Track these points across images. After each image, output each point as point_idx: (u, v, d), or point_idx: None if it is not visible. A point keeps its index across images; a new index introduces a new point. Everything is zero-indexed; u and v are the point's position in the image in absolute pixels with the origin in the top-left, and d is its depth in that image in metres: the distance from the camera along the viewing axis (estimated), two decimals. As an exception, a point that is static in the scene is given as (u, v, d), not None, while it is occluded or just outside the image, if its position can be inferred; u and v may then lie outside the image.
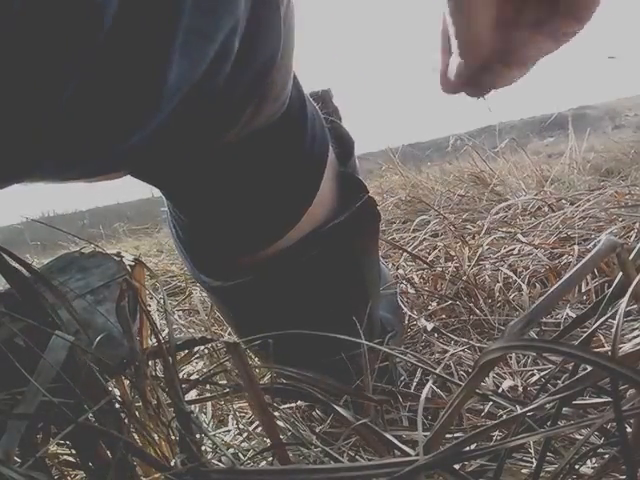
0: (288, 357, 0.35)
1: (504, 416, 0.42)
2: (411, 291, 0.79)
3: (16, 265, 0.32)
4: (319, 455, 0.37)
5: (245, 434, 0.47)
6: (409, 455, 0.27)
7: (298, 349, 0.39)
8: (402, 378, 0.56)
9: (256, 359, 0.57)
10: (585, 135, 2.05)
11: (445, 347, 0.61)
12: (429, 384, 0.39)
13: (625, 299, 0.26)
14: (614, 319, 0.25)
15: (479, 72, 0.40)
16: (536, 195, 1.31)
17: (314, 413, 0.52)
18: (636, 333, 0.57)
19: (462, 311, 0.71)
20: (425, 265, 0.85)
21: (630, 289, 0.26)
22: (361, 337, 0.42)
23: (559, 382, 0.47)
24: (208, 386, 0.52)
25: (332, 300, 0.51)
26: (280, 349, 0.33)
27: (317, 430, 0.47)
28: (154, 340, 0.37)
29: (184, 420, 0.32)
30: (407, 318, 0.70)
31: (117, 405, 0.32)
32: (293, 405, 0.52)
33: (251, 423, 0.48)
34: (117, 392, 0.34)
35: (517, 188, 1.55)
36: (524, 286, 0.74)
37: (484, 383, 0.48)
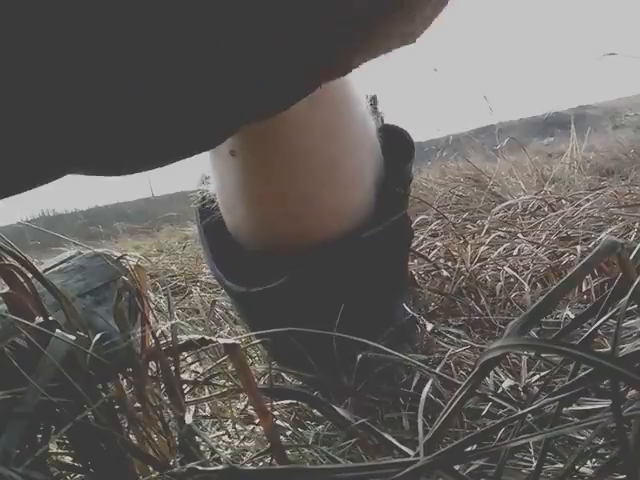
0: (301, 357, 0.34)
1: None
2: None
3: (17, 265, 0.32)
4: (318, 455, 0.37)
5: (243, 435, 0.47)
6: (409, 456, 0.27)
7: (307, 349, 0.39)
8: (403, 378, 0.55)
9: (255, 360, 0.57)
10: (585, 135, 2.05)
11: (446, 346, 0.61)
12: (429, 384, 0.39)
13: (625, 299, 0.26)
14: (614, 319, 0.25)
15: None
16: (536, 195, 1.31)
17: (314, 412, 0.52)
18: (636, 333, 0.57)
19: (463, 310, 0.71)
20: (427, 264, 0.85)
21: (631, 289, 0.26)
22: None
23: (559, 382, 0.47)
24: (207, 387, 0.52)
25: (354, 310, 0.50)
26: (294, 350, 0.32)
27: (316, 430, 0.47)
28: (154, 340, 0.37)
29: (182, 421, 0.32)
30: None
31: (116, 405, 0.32)
32: (293, 403, 0.52)
33: (249, 423, 0.48)
34: (116, 392, 0.34)
35: (517, 188, 1.55)
36: (526, 285, 0.74)
37: (484, 383, 0.48)
